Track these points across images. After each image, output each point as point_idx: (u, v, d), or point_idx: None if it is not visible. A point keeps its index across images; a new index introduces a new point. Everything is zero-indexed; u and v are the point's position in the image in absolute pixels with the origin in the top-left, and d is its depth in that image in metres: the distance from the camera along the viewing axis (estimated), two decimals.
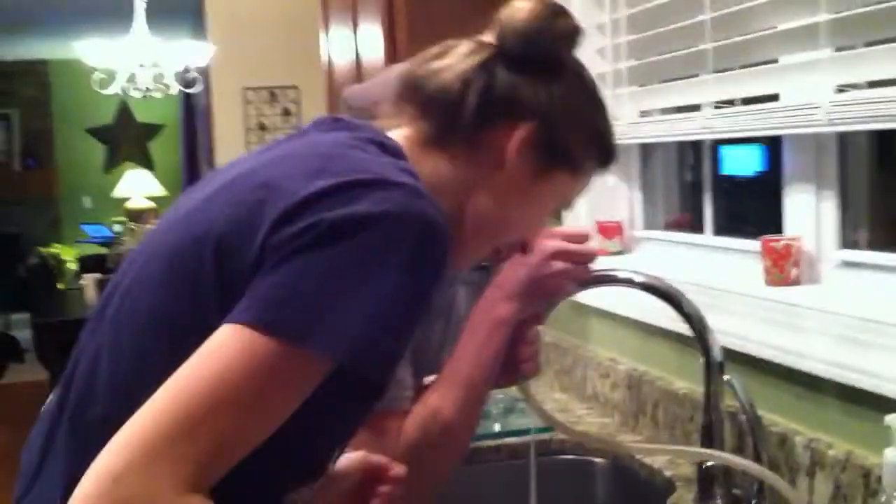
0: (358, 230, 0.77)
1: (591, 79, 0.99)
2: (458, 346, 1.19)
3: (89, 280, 5.11)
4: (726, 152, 1.83)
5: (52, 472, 0.86)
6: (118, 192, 8.54)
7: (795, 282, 1.41)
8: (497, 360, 1.16)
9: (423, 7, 2.25)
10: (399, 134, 0.95)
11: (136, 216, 6.95)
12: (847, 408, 1.23)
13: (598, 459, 1.68)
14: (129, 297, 0.87)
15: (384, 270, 0.77)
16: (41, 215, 9.15)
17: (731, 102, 1.56)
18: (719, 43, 1.51)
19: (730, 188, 1.85)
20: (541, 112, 0.93)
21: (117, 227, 7.25)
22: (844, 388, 1.21)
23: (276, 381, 0.75)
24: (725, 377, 1.28)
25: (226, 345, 0.75)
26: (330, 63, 3.26)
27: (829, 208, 1.39)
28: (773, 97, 1.45)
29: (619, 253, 1.96)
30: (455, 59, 0.94)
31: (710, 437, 1.31)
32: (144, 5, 5.04)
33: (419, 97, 0.95)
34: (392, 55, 2.35)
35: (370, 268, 0.77)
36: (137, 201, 8.04)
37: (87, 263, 6.63)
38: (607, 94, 1.83)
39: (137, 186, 8.50)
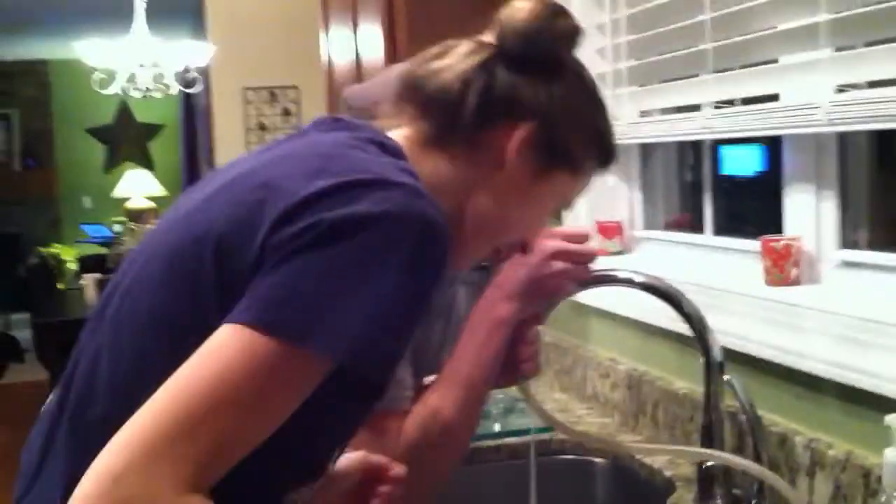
0: (358, 230, 0.77)
1: (591, 79, 0.99)
2: (458, 346, 1.19)
3: (89, 280, 5.11)
4: (726, 152, 1.83)
5: (52, 472, 0.86)
6: (118, 192, 8.55)
7: (795, 282, 1.41)
8: (497, 361, 1.16)
9: (423, 7, 2.25)
10: (399, 134, 0.95)
11: (136, 216, 6.95)
12: (847, 408, 1.23)
13: (598, 459, 1.69)
14: (129, 298, 0.87)
15: (384, 270, 0.77)
16: (41, 215, 9.15)
17: (731, 102, 1.56)
18: (719, 43, 1.51)
19: (730, 188, 1.85)
20: (541, 112, 0.93)
21: (117, 227, 7.26)
22: (844, 388, 1.21)
23: (276, 380, 0.75)
24: (725, 377, 1.28)
25: (226, 345, 0.75)
26: (330, 63, 3.26)
27: (829, 208, 1.39)
28: (773, 97, 1.45)
29: (619, 253, 1.96)
30: (455, 59, 0.94)
31: (710, 437, 1.31)
32: (144, 5, 5.04)
33: (419, 97, 0.95)
34: (392, 55, 2.36)
35: (370, 268, 0.77)
36: (137, 201, 8.04)
37: (87, 263, 6.63)
38: (607, 93, 1.83)
39: (137, 186, 8.51)
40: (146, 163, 9.45)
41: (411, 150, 0.93)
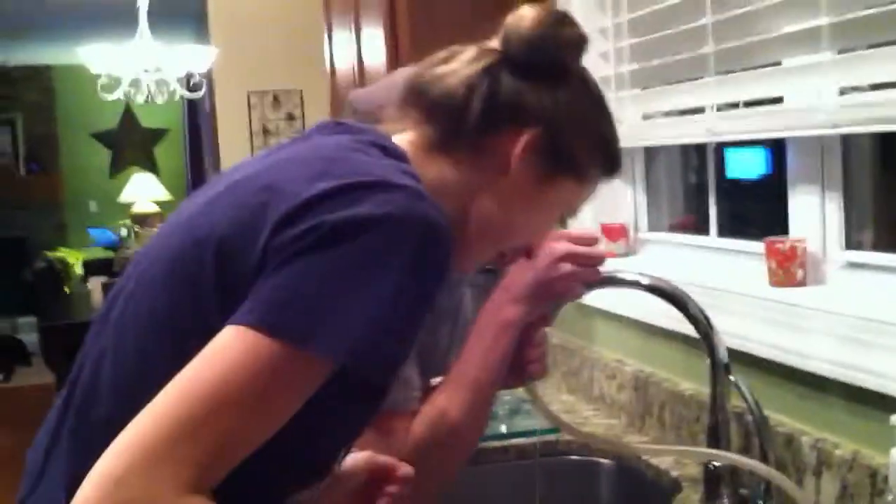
0: (360, 232, 0.77)
1: (596, 87, 0.99)
2: (465, 348, 1.19)
3: (95, 284, 5.13)
4: (731, 155, 1.83)
5: (56, 473, 0.87)
6: (124, 196, 8.56)
7: (800, 283, 1.41)
8: (505, 362, 1.17)
9: (425, 11, 2.25)
10: (403, 138, 0.95)
11: (142, 220, 6.97)
12: (853, 408, 1.23)
13: (604, 460, 1.69)
14: (132, 301, 0.88)
15: (386, 272, 0.77)
16: (46, 219, 9.18)
17: (735, 105, 1.56)
18: (721, 46, 1.52)
19: (734, 190, 1.85)
20: (546, 118, 0.93)
21: (123, 232, 7.28)
22: (850, 388, 1.22)
23: (278, 382, 0.76)
24: (731, 378, 1.29)
25: (228, 347, 0.76)
26: (333, 67, 3.27)
27: (834, 210, 1.40)
28: (777, 100, 1.45)
29: (624, 255, 1.96)
30: (460, 64, 0.94)
31: (716, 438, 1.31)
32: (146, 9, 5.05)
33: (424, 101, 0.95)
34: (394, 59, 2.36)
35: (372, 269, 0.77)
36: (143, 205, 8.06)
37: (93, 267, 6.65)
38: (610, 97, 1.83)
39: (143, 191, 8.52)
40: (151, 167, 9.46)
41: (415, 154, 0.93)
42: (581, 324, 2.03)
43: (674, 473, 1.52)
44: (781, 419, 1.35)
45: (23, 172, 9.34)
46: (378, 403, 0.93)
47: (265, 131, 4.76)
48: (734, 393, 1.30)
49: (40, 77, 9.27)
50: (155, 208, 7.87)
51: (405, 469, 1.03)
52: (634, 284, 1.30)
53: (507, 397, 1.85)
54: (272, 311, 0.76)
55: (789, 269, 1.41)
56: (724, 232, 1.72)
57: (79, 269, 7.12)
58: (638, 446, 1.66)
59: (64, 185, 9.34)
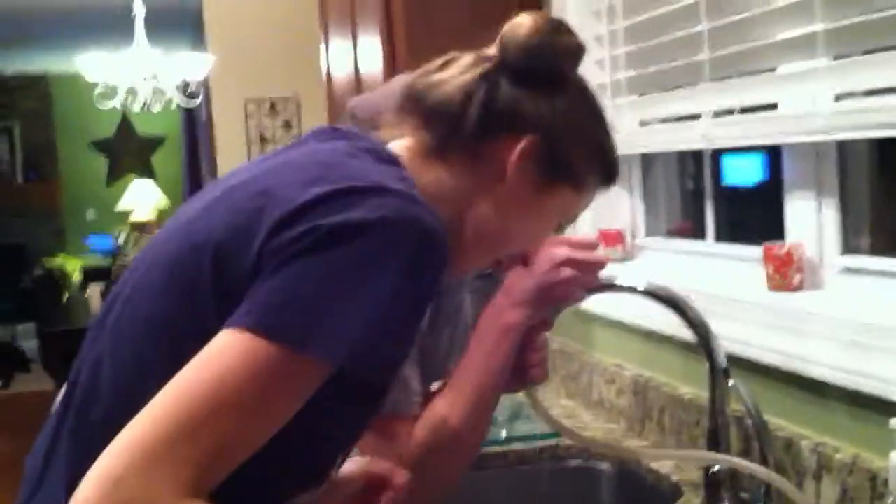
0: (355, 235, 0.78)
1: (594, 95, 1.00)
2: (466, 353, 1.19)
3: (94, 290, 5.13)
4: (727, 161, 1.84)
5: (56, 477, 0.87)
6: (122, 204, 8.56)
7: (798, 288, 1.42)
8: (506, 367, 1.17)
9: (422, 19, 2.26)
10: (400, 144, 0.96)
11: (140, 227, 6.97)
12: (853, 412, 1.24)
13: (604, 465, 1.69)
14: (129, 306, 0.88)
15: (382, 275, 0.78)
16: (45, 227, 9.17)
17: (731, 112, 1.57)
18: (717, 53, 1.53)
19: (731, 196, 1.86)
20: (543, 125, 0.93)
21: (121, 239, 7.28)
22: (849, 392, 1.22)
23: (275, 384, 0.76)
24: (730, 382, 1.30)
25: (226, 349, 0.76)
26: (330, 75, 3.27)
27: (830, 215, 1.40)
28: (773, 106, 1.46)
29: (622, 261, 1.97)
30: (457, 70, 0.95)
31: (716, 442, 1.32)
32: (143, 17, 5.06)
33: (421, 108, 0.95)
34: (391, 67, 2.37)
35: (368, 272, 0.78)
36: (141, 213, 8.06)
37: (92, 274, 6.65)
38: (607, 104, 1.84)
39: (141, 198, 8.52)
40: (149, 175, 9.45)
41: (412, 160, 0.93)
42: (580, 329, 2.04)
43: (674, 478, 1.53)
44: (781, 423, 1.35)
45: (20, 180, 9.34)
46: (377, 406, 0.93)
47: (262, 139, 4.76)
48: (734, 397, 1.30)
49: (37, 85, 9.27)
50: (153, 215, 7.87)
51: (402, 476, 1.04)
52: (632, 290, 1.30)
53: (506, 402, 1.85)
54: (269, 313, 0.76)
55: (787, 274, 1.42)
56: (721, 237, 1.73)
57: (77, 277, 7.12)
58: (638, 451, 1.66)
59: (62, 192, 9.34)
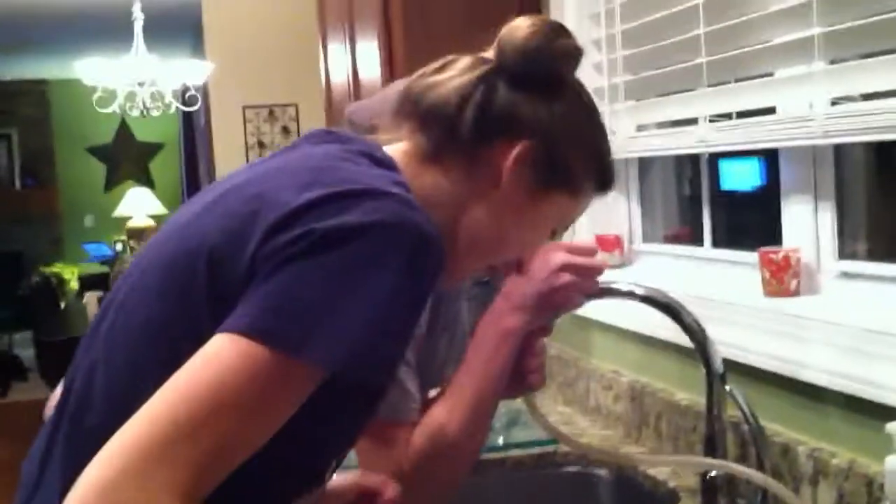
0: (349, 239, 0.78)
1: (591, 100, 0.99)
2: (465, 359, 1.19)
3: (91, 298, 5.12)
4: (725, 166, 1.84)
5: (52, 480, 0.87)
6: (120, 210, 8.57)
7: (795, 293, 1.42)
8: (505, 372, 1.16)
9: (420, 24, 2.26)
10: (397, 148, 0.95)
11: (138, 234, 6.97)
12: (849, 417, 1.24)
13: (601, 471, 1.69)
14: (122, 311, 0.88)
15: (378, 278, 0.77)
16: (43, 234, 9.18)
17: (728, 116, 1.57)
18: (714, 57, 1.53)
19: (728, 201, 1.86)
20: (540, 130, 0.93)
21: (118, 246, 7.28)
22: (846, 397, 1.22)
23: (271, 388, 0.76)
24: (727, 388, 1.29)
25: (221, 352, 0.76)
26: (328, 81, 3.28)
27: (827, 219, 1.40)
28: (770, 110, 1.46)
29: (619, 266, 1.97)
30: (454, 73, 0.94)
31: (712, 448, 1.31)
32: (142, 23, 5.07)
33: (417, 111, 0.95)
34: (389, 73, 2.37)
35: (362, 275, 0.77)
36: (139, 220, 8.07)
37: (89, 282, 6.65)
38: (604, 108, 1.85)
39: (139, 205, 8.53)
40: (146, 181, 9.46)
41: (408, 163, 0.93)
42: (577, 335, 2.03)
43: (671, 484, 1.52)
44: (777, 428, 1.35)
45: (18, 187, 9.35)
46: (372, 410, 0.93)
47: (260, 145, 4.77)
48: (730, 403, 1.30)
49: (36, 91, 9.29)
50: (150, 223, 7.88)
51: (393, 490, 1.03)
52: (629, 295, 1.30)
53: (503, 409, 1.85)
54: (265, 318, 0.76)
55: (783, 280, 1.42)
56: (718, 243, 1.73)
57: (74, 284, 7.12)
58: (635, 457, 1.66)
59: (60, 199, 9.35)
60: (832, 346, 1.26)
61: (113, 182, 9.54)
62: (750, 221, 1.90)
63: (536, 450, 1.74)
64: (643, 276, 1.83)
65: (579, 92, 0.98)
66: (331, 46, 3.18)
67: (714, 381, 1.29)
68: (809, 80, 1.34)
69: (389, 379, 0.87)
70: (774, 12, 1.39)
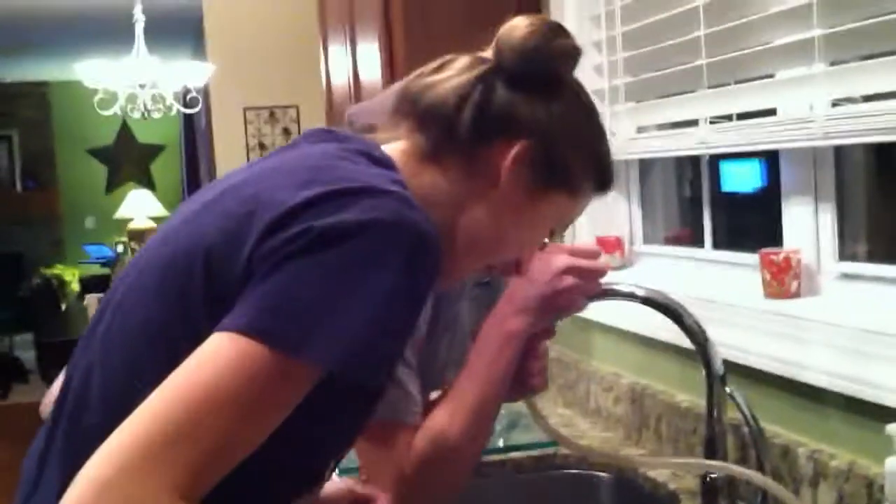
0: (347, 237, 0.77)
1: (589, 100, 0.99)
2: (467, 362, 1.19)
3: (92, 300, 5.12)
4: (726, 168, 1.84)
5: (51, 478, 0.87)
6: (121, 212, 8.58)
7: (795, 294, 1.42)
8: (507, 375, 1.16)
9: (421, 25, 2.26)
10: (395, 147, 0.95)
11: (139, 236, 6.97)
12: (849, 418, 1.24)
13: (602, 473, 1.69)
14: (119, 312, 0.88)
15: (376, 276, 0.77)
16: (43, 236, 9.18)
17: (728, 118, 1.57)
18: (715, 59, 1.53)
19: (729, 202, 1.86)
20: (539, 130, 0.92)
21: (119, 248, 7.28)
22: (846, 398, 1.22)
23: (269, 387, 0.76)
24: (727, 389, 1.29)
25: (219, 351, 0.76)
26: (329, 82, 3.28)
27: (828, 221, 1.40)
28: (771, 112, 1.46)
29: (620, 268, 1.96)
30: (452, 73, 0.94)
31: (713, 450, 1.31)
32: (143, 25, 5.07)
33: (416, 110, 0.94)
34: (390, 74, 2.37)
35: (362, 274, 0.77)
36: (140, 222, 8.07)
37: (90, 284, 6.65)
38: (604, 110, 1.85)
39: (140, 207, 8.53)
40: (148, 183, 9.47)
41: (406, 163, 0.93)
42: (577, 337, 2.03)
43: (671, 486, 1.52)
44: (777, 430, 1.35)
45: (19, 189, 9.36)
46: (370, 410, 0.93)
47: (261, 146, 4.77)
48: (730, 404, 1.30)
49: (37, 93, 9.30)
50: (151, 224, 7.88)
51: (385, 500, 1.03)
52: (630, 296, 1.30)
53: (504, 411, 1.84)
54: (262, 317, 0.76)
55: (784, 281, 1.42)
56: (719, 244, 1.73)
57: (75, 286, 7.12)
58: (635, 459, 1.66)
59: (60, 201, 9.35)
60: (833, 347, 1.25)
61: (114, 184, 9.55)
62: (750, 223, 1.90)
63: (536, 452, 1.74)
64: (644, 278, 1.83)
65: (578, 92, 0.97)
66: (331, 48, 3.18)
67: (714, 383, 1.29)
68: (810, 82, 1.34)
69: (388, 379, 0.87)
70: (775, 14, 1.39)
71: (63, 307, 6.95)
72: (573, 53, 0.95)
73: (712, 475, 1.31)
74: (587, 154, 0.97)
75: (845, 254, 1.41)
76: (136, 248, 5.98)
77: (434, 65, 0.96)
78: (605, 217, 1.99)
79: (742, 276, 1.58)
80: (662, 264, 1.89)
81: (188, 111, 5.36)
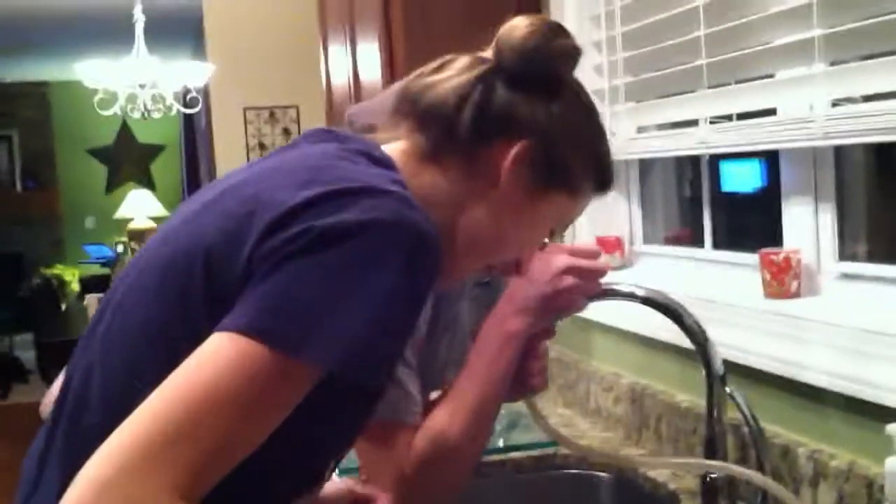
0: (348, 237, 0.77)
1: (589, 100, 0.99)
2: (468, 362, 1.19)
3: (92, 300, 5.12)
4: (725, 167, 1.84)
5: (51, 477, 0.87)
6: (121, 212, 8.58)
7: (795, 294, 1.42)
8: (508, 375, 1.16)
9: (421, 25, 2.26)
10: (395, 147, 0.95)
11: (139, 236, 6.97)
12: (849, 418, 1.24)
13: (602, 473, 1.69)
14: (119, 312, 0.88)
15: (376, 276, 0.77)
16: (43, 236, 9.18)
17: (728, 118, 1.57)
18: (715, 59, 1.53)
19: (729, 202, 1.86)
20: (539, 130, 0.92)
21: (119, 248, 7.28)
22: (846, 398, 1.22)
23: (269, 387, 0.76)
24: (727, 389, 1.29)
25: (219, 351, 0.76)
26: (329, 82, 3.28)
27: (828, 221, 1.40)
28: (771, 112, 1.46)
29: (620, 268, 1.97)
30: (452, 72, 0.93)
31: (713, 450, 1.31)
32: (143, 25, 5.07)
33: (416, 110, 0.94)
34: (390, 74, 2.37)
35: (362, 274, 0.77)
36: (140, 222, 8.07)
37: (90, 284, 6.65)
38: (605, 110, 1.85)
39: (140, 207, 8.53)
40: (148, 183, 9.47)
41: (406, 162, 0.93)
42: (577, 337, 2.03)
43: (671, 486, 1.52)
44: (777, 430, 1.35)
45: (19, 188, 9.36)
46: (370, 410, 0.93)
47: (261, 147, 4.77)
48: (730, 404, 1.30)
49: (37, 93, 9.30)
50: (151, 224, 7.88)
51: (386, 501, 1.03)
52: (630, 297, 1.30)
53: (503, 411, 1.84)
54: (263, 317, 0.76)
55: (784, 281, 1.42)
56: (719, 244, 1.73)
57: (75, 286, 7.13)
58: (635, 459, 1.66)
59: (61, 201, 9.36)
60: (832, 347, 1.25)
61: (114, 184, 9.55)
62: (750, 223, 1.90)
63: (536, 452, 1.74)
64: (644, 278, 1.83)
65: (578, 92, 0.97)
66: (331, 48, 3.18)
67: (714, 383, 1.29)
68: (810, 82, 1.34)
69: (387, 379, 0.87)
70: (775, 14, 1.39)
71: (63, 307, 6.95)
72: (573, 53, 0.95)
73: (712, 475, 1.31)
74: (587, 154, 0.97)
75: (845, 254, 1.41)
76: (136, 249, 5.98)
77: (434, 65, 0.96)
78: (605, 217, 1.99)
79: (742, 276, 1.58)
80: (662, 264, 1.89)
81: (188, 111, 5.36)
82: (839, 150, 1.39)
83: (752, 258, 1.53)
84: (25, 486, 0.91)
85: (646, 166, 2.00)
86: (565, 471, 1.71)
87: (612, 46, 1.88)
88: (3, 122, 9.18)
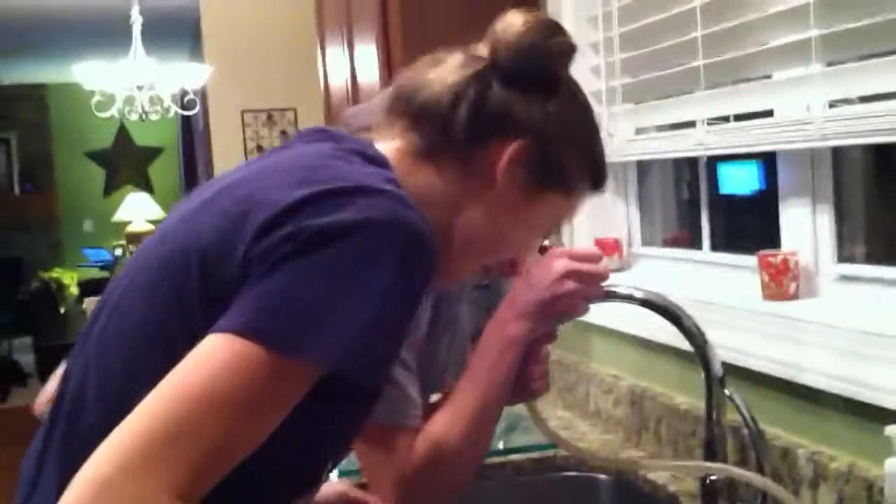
0: (343, 237, 0.77)
1: (585, 99, 0.98)
2: (469, 366, 1.18)
3: (90, 303, 5.12)
4: (723, 169, 1.84)
5: (48, 480, 0.86)
6: (119, 215, 8.57)
7: (793, 296, 1.42)
8: (509, 379, 1.15)
9: (418, 27, 2.26)
10: (390, 146, 0.94)
11: (137, 239, 6.97)
12: (848, 420, 1.23)
13: (601, 475, 1.69)
14: (116, 313, 0.88)
15: (372, 276, 0.77)
16: (42, 239, 9.17)
17: (726, 119, 1.57)
18: (712, 60, 1.53)
19: (727, 204, 1.86)
20: (535, 129, 0.92)
21: (118, 251, 7.28)
22: (845, 400, 1.22)
23: (266, 388, 0.76)
24: (726, 391, 1.29)
25: (216, 351, 0.75)
26: (327, 84, 3.28)
27: (825, 222, 1.40)
28: (768, 113, 1.46)
29: (618, 270, 1.96)
30: (446, 70, 0.93)
31: (712, 452, 1.31)
32: (141, 26, 5.07)
33: (410, 109, 0.94)
34: (388, 76, 2.37)
35: (358, 273, 0.77)
36: (138, 225, 8.07)
37: (88, 287, 6.64)
38: (602, 111, 1.85)
39: (138, 210, 8.53)
40: (146, 186, 9.46)
41: (401, 161, 0.92)
42: (576, 339, 2.03)
43: (671, 488, 1.52)
44: (777, 432, 1.35)
45: (17, 192, 9.34)
46: (367, 411, 0.92)
47: (259, 149, 4.77)
48: (730, 406, 1.30)
49: (35, 95, 9.29)
50: (150, 227, 7.87)
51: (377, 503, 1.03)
52: (629, 299, 1.30)
53: (503, 413, 1.84)
54: (260, 317, 0.76)
55: (782, 283, 1.42)
56: (717, 246, 1.73)
57: (74, 289, 7.12)
58: (635, 461, 1.66)
59: (59, 204, 9.34)
60: (831, 349, 1.25)
61: (112, 187, 9.54)
62: (748, 225, 1.90)
63: (536, 454, 1.73)
64: (642, 280, 1.83)
65: (574, 90, 0.97)
66: (329, 50, 3.18)
67: (713, 385, 1.29)
68: (807, 83, 1.34)
69: (383, 380, 0.87)
70: (772, 15, 1.39)
71: (62, 310, 6.94)
72: (569, 51, 0.95)
73: (712, 477, 1.31)
74: (583, 153, 0.97)
75: (843, 255, 1.41)
76: (135, 251, 5.98)
77: (427, 61, 0.95)
78: (604, 219, 1.99)
79: (740, 278, 1.58)
80: (661, 266, 1.89)
81: (186, 113, 5.35)
82: (837, 151, 1.39)
83: (750, 260, 1.53)
84: (24, 487, 0.90)
85: (644, 168, 1.99)
86: (565, 473, 1.71)
87: (610, 48, 1.88)
88: (1, 125, 9.17)
